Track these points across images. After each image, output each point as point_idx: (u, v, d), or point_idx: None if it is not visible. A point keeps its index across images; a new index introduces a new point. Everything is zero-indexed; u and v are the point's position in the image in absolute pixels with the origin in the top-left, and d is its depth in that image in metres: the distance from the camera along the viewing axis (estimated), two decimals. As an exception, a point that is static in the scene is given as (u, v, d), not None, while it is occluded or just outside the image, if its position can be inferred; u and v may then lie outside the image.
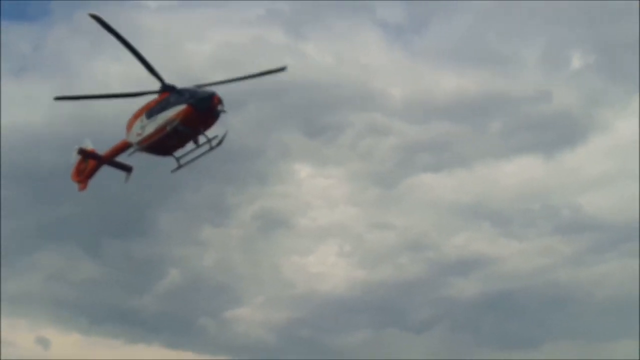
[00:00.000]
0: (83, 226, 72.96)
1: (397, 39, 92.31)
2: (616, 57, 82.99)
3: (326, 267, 76.61)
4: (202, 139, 35.83)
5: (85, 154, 40.20)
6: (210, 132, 35.90)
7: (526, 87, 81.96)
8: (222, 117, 35.24)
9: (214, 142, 35.72)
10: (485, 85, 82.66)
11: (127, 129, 37.86)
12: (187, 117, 34.83)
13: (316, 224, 77.76)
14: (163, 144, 36.24)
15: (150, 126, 36.23)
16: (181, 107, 34.98)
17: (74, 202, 73.59)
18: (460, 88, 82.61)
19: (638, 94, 75.28)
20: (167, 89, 35.88)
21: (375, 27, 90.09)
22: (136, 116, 37.33)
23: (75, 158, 40.42)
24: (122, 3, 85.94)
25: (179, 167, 36.89)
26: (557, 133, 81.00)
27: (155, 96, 36.54)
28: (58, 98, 36.51)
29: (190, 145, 36.50)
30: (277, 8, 78.83)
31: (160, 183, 75.34)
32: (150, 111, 36.43)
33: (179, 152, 36.83)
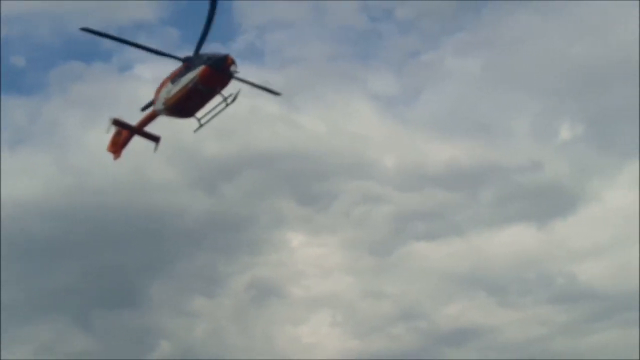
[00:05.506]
0: (74, 297, 72.72)
1: (389, 109, 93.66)
2: (604, 127, 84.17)
3: (319, 337, 75.82)
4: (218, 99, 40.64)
5: (119, 124, 43.63)
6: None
7: (516, 157, 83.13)
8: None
9: (229, 100, 40.26)
10: (476, 155, 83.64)
11: (154, 100, 42.80)
12: (205, 76, 39.65)
13: (309, 293, 77.39)
14: (186, 102, 41.03)
15: (175, 88, 41.18)
16: (200, 68, 39.87)
17: (65, 274, 74.04)
18: (451, 157, 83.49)
19: (626, 164, 76.04)
20: (187, 60, 40.96)
21: (367, 97, 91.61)
22: (162, 85, 42.31)
23: (109, 129, 43.77)
24: (120, 74, 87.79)
25: (200, 126, 41.58)
26: (549, 202, 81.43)
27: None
28: (84, 29, 38.74)
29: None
30: (270, 80, 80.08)
31: (152, 253, 75.74)
32: (174, 78, 41.43)
33: (199, 114, 41.38)
